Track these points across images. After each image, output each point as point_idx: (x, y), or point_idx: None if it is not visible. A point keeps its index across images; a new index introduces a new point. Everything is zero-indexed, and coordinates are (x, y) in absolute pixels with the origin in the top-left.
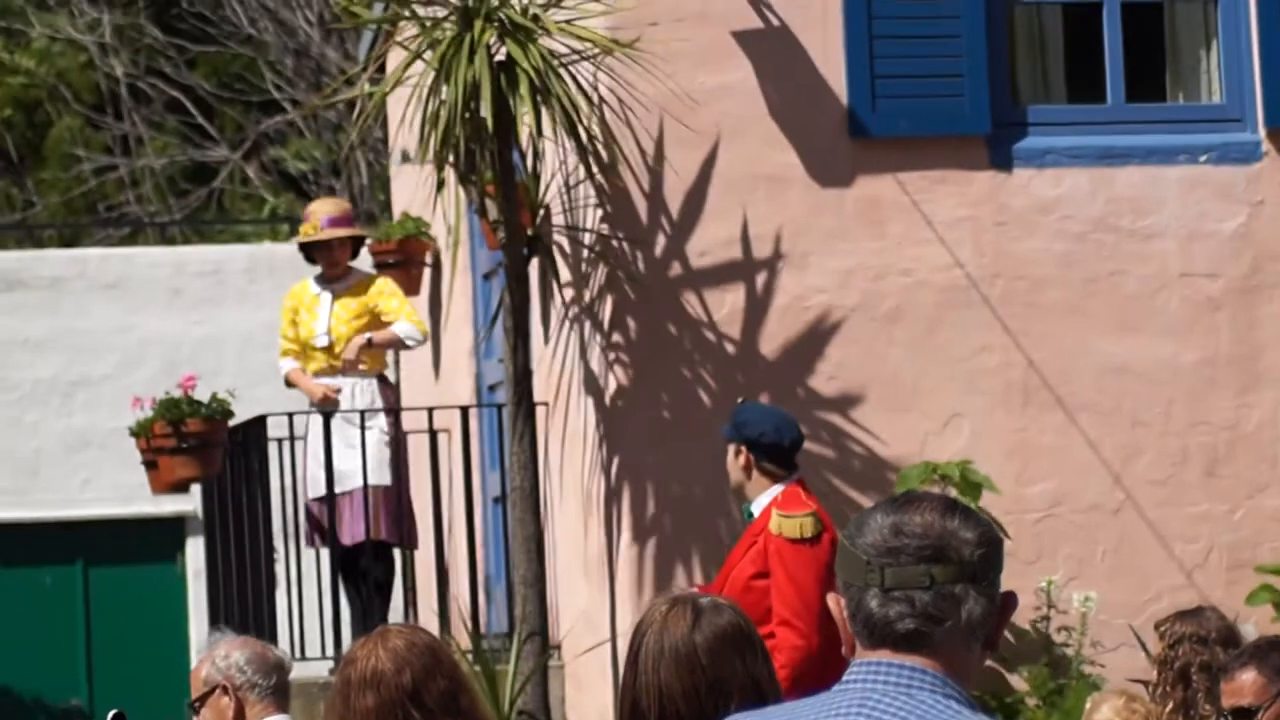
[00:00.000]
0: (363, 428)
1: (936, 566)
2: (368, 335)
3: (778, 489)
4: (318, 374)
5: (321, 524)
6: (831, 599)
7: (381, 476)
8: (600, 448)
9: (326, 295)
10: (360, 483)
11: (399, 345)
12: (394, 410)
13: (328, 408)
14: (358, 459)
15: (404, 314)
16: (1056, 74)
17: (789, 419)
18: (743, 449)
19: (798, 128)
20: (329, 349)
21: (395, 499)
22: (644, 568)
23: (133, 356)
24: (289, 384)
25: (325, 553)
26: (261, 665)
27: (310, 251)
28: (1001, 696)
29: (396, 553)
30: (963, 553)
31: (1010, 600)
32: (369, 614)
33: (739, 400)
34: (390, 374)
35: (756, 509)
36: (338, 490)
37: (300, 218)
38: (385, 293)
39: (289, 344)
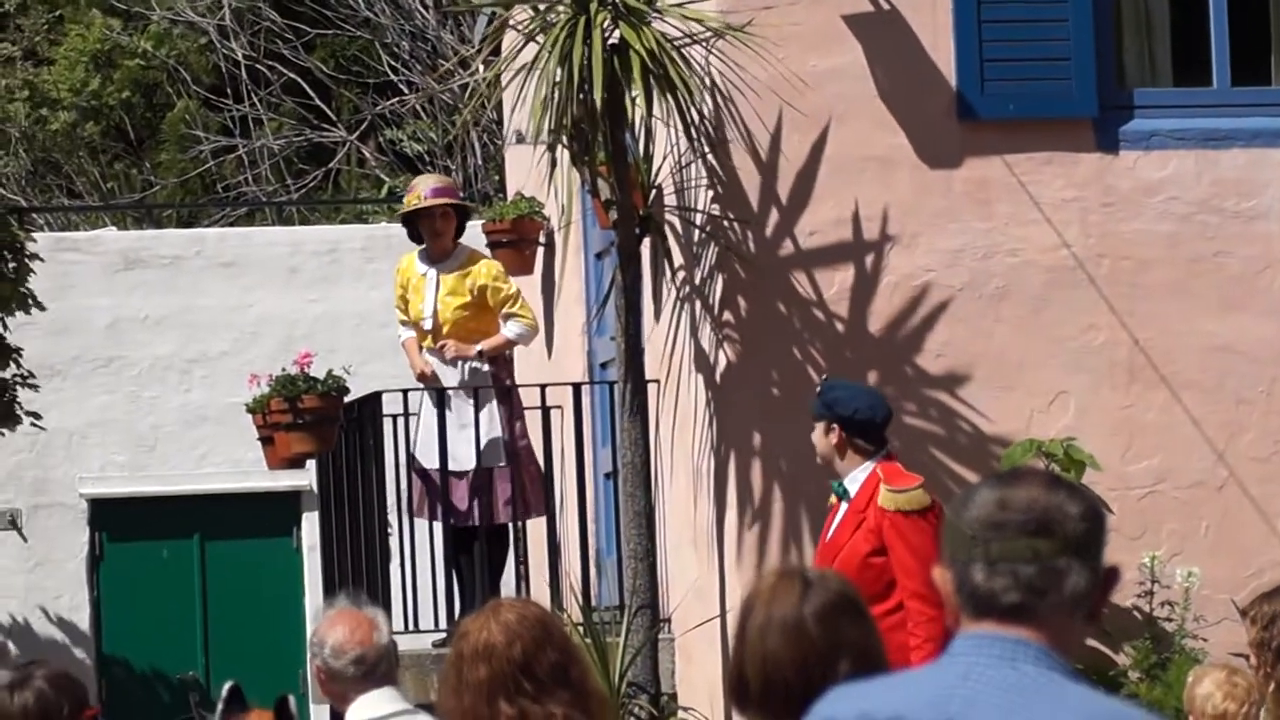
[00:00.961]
0: (476, 407)
1: (1040, 540)
2: (478, 348)
3: (870, 465)
4: (432, 353)
5: (429, 495)
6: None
7: (494, 458)
8: (710, 425)
9: (433, 273)
10: (473, 464)
11: (508, 347)
12: (506, 387)
13: (425, 384)
14: (470, 440)
15: (515, 310)
16: (1163, 58)
17: (878, 395)
18: (835, 427)
19: (906, 110)
20: (435, 331)
21: (510, 478)
22: (753, 543)
23: (249, 334)
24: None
25: (439, 527)
26: (358, 660)
27: (415, 225)
28: (1104, 670)
29: (511, 528)
30: (1066, 527)
31: (1113, 574)
32: (479, 590)
33: (823, 378)
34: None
35: (852, 486)
36: (452, 468)
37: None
38: (494, 276)
39: (404, 315)
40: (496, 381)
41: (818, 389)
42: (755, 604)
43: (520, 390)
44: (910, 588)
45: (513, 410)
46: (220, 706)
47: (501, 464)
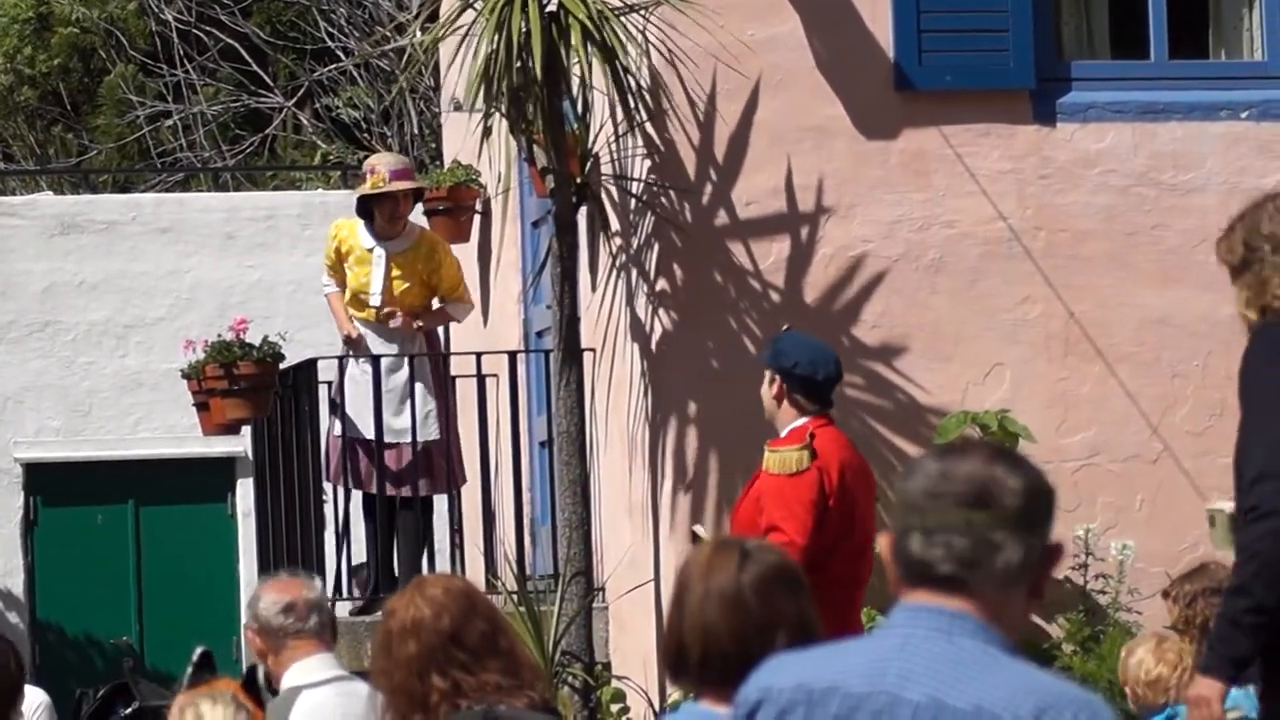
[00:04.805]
0: (411, 378)
1: (976, 512)
2: (418, 323)
3: (799, 423)
4: (365, 323)
5: (352, 465)
6: (884, 538)
7: (428, 432)
8: (645, 394)
9: (382, 253)
10: (408, 438)
11: (449, 322)
12: (438, 357)
13: (349, 346)
14: (405, 414)
15: (457, 291)
16: (1100, 30)
17: (828, 353)
18: (776, 377)
19: (844, 80)
20: (381, 307)
21: (444, 451)
22: (688, 511)
23: (185, 300)
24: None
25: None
26: (287, 607)
27: (370, 205)
28: (1037, 643)
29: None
30: (1004, 501)
31: (1055, 551)
32: (404, 561)
33: (784, 328)
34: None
35: None
36: (388, 439)
37: (351, 165)
38: (443, 261)
39: (333, 271)
40: (431, 351)
41: (785, 330)
42: (693, 574)
43: (455, 358)
44: (770, 520)
45: (442, 383)
46: (189, 670)
47: (435, 437)
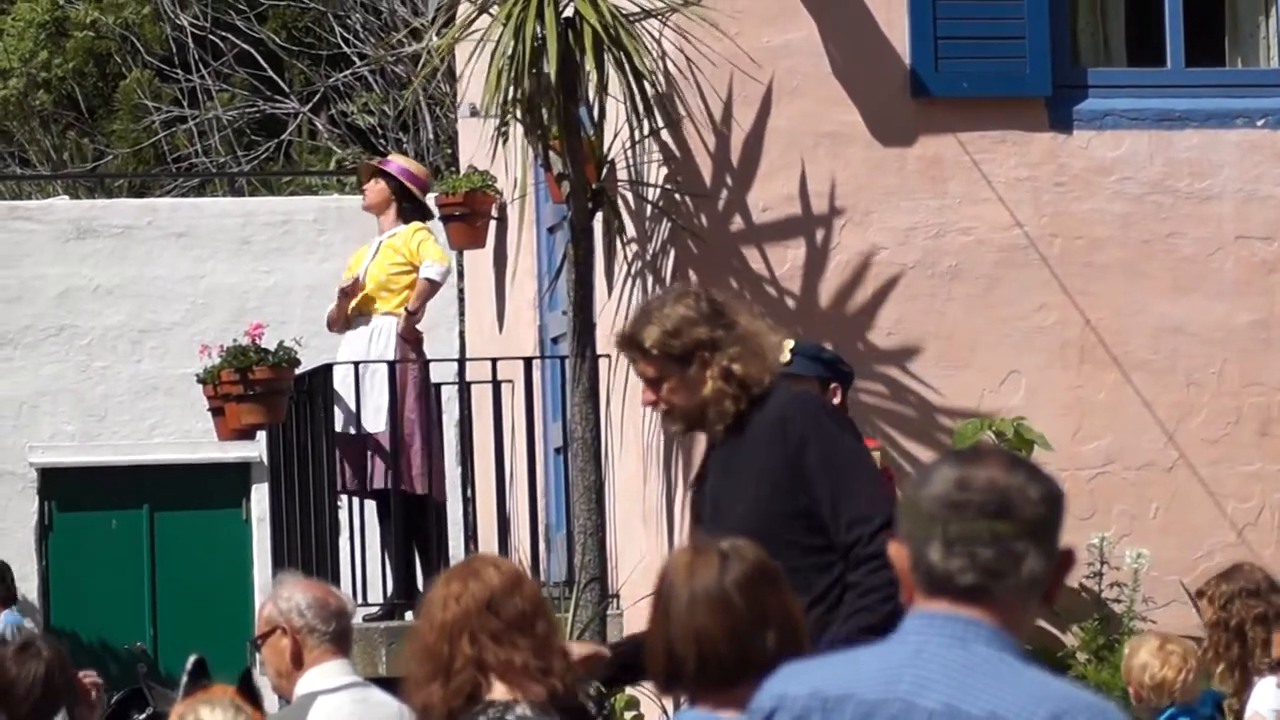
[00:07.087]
0: (392, 372)
1: (999, 522)
2: (406, 308)
3: None
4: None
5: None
6: (894, 547)
7: (378, 424)
8: None
9: (377, 240)
10: (376, 428)
11: (432, 289)
12: (409, 359)
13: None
14: (365, 409)
15: (424, 255)
16: (1117, 37)
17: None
18: (838, 388)
19: (860, 87)
20: (362, 285)
21: (405, 447)
22: None
23: (201, 305)
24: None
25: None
26: (322, 610)
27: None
28: (1052, 651)
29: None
30: (1026, 510)
31: (1069, 558)
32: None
33: (791, 343)
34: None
35: None
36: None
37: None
38: (409, 240)
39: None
40: (398, 346)
41: (793, 350)
42: (675, 581)
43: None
44: None
45: (411, 375)
46: (184, 679)
47: (383, 429)
